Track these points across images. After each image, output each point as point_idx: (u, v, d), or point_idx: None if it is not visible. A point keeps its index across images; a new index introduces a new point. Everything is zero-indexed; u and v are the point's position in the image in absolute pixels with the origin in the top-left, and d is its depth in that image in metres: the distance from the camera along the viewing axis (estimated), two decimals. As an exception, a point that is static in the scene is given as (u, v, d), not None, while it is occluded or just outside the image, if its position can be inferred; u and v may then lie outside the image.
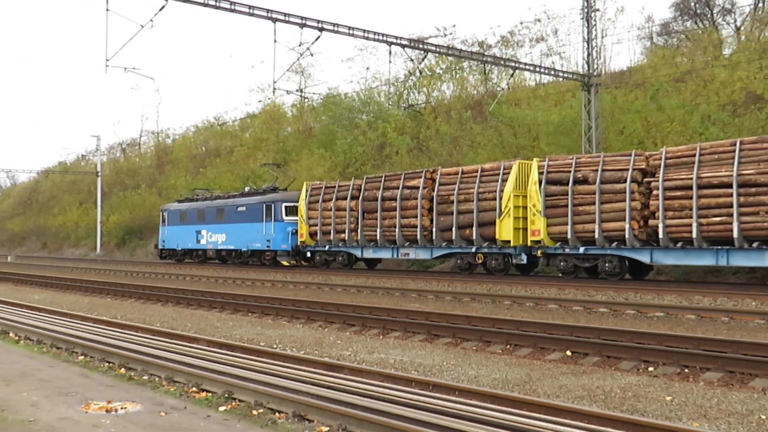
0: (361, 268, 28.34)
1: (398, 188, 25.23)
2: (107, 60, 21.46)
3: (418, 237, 24.26)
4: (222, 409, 6.73)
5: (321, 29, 22.25)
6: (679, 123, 26.46)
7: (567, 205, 20.25)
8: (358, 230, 26.60)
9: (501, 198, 21.81)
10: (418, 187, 24.51)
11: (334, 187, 28.39)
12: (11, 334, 12.03)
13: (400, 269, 29.26)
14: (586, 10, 27.27)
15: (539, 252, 21.27)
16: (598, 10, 28.33)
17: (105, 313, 15.60)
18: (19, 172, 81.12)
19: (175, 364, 8.37)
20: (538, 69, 30.34)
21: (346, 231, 27.11)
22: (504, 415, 5.84)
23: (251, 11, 21.25)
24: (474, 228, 22.64)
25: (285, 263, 31.35)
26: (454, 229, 23.22)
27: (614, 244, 19.57)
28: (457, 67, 41.40)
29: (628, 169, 19.19)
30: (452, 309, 14.87)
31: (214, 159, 55.47)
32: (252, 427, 6.12)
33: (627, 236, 19.05)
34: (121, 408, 6.72)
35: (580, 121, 28.23)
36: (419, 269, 29.03)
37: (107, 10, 20.27)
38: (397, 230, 25.05)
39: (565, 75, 29.18)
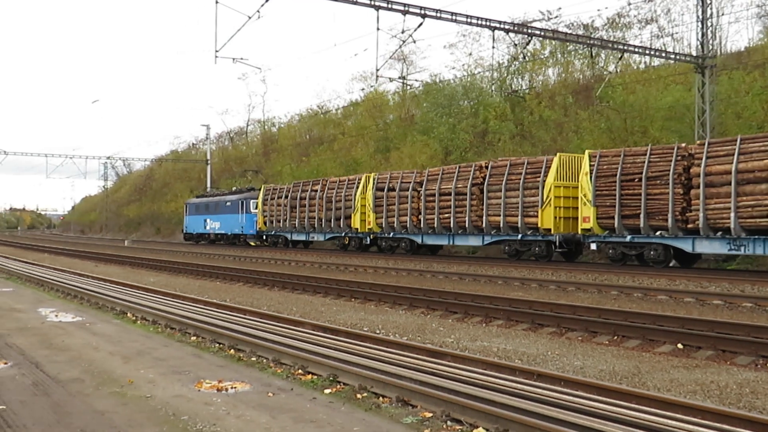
0: (460, 255, 28.30)
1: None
2: (217, 51, 22.19)
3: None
4: (327, 391, 6.85)
5: (424, 16, 22.18)
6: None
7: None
8: (295, 220, 37.78)
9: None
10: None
11: (279, 189, 40.33)
12: (129, 314, 12.65)
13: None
14: (700, -12, 26.02)
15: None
16: (713, -13, 27.02)
17: (215, 295, 16.17)
18: (135, 160, 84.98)
19: (282, 347, 8.58)
20: (648, 51, 29.23)
21: (281, 221, 39.21)
22: (612, 407, 5.67)
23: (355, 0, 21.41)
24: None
25: (252, 243, 43.53)
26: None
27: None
28: (562, 51, 40.44)
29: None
30: (556, 298, 14.58)
31: (318, 147, 56.43)
32: (356, 410, 6.19)
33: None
34: (231, 387, 6.94)
35: (693, 105, 27.02)
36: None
37: (216, 2, 20.92)
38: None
39: (678, 57, 27.99)
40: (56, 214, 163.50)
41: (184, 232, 54.31)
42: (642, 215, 20.44)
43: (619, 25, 39.37)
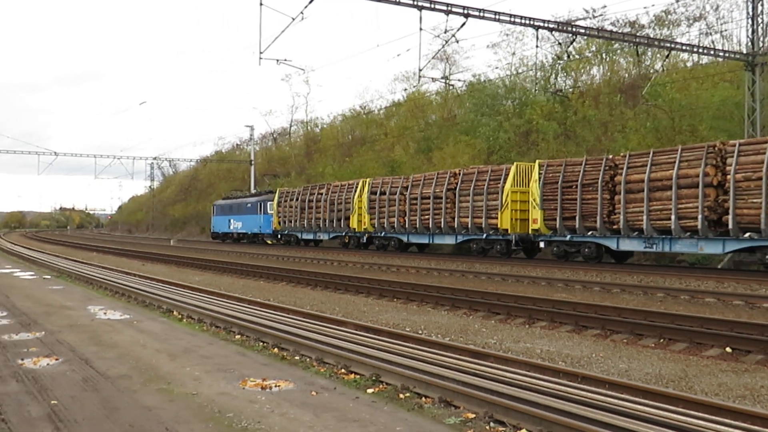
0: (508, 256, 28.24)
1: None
2: (261, 52, 22.40)
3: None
4: (370, 391, 6.87)
5: (467, 15, 22.10)
6: None
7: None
8: (305, 220, 41.15)
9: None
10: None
11: (291, 192, 44.00)
12: (175, 313, 12.85)
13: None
14: (750, -17, 25.44)
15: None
16: (764, -17, 26.35)
17: (258, 295, 16.33)
18: (180, 161, 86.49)
19: (325, 346, 8.63)
20: (696, 49, 28.68)
21: (293, 221, 42.81)
22: (658, 411, 5.59)
23: (397, 0, 21.42)
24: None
25: (269, 242, 47.23)
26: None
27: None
28: (608, 50, 39.90)
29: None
30: (601, 300, 14.40)
31: (360, 147, 56.56)
32: (399, 410, 6.20)
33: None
34: (275, 386, 7.01)
35: (742, 103, 26.43)
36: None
37: (261, 4, 21.12)
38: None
39: (727, 55, 27.40)
40: (104, 214, 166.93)
41: (212, 231, 58.51)
42: (577, 217, 23.31)
43: (666, 22, 38.68)
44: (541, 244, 25.55)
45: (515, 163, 26.98)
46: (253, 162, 66.70)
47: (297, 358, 8.58)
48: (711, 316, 11.20)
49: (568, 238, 23.93)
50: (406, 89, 59.10)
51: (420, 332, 10.83)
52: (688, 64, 37.19)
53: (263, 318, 11.20)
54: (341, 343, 8.83)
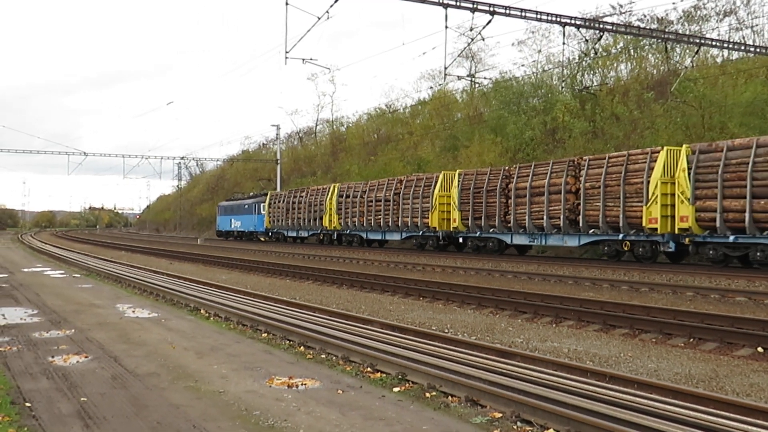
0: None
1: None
2: (287, 52, 22.44)
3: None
4: (396, 390, 6.87)
5: (492, 13, 21.95)
6: None
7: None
8: (290, 220, 46.65)
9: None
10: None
11: (280, 194, 49.55)
12: (202, 311, 12.95)
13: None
14: (782, -22, 25.03)
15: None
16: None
17: (285, 293, 16.40)
18: (207, 160, 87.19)
19: (351, 345, 8.64)
20: (726, 45, 28.27)
21: (281, 221, 48.10)
22: (688, 411, 5.51)
23: (423, -2, 21.34)
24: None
25: (262, 239, 52.34)
26: None
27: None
28: (636, 46, 39.46)
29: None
30: (629, 299, 14.26)
31: (385, 146, 56.52)
32: (425, 409, 6.19)
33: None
34: (302, 384, 7.04)
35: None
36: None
37: (287, 4, 21.17)
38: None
39: (758, 50, 26.96)
40: (132, 213, 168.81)
41: (217, 229, 64.16)
42: (483, 217, 28.66)
43: (696, 17, 38.18)
44: (460, 239, 30.79)
45: (442, 172, 32.46)
46: (279, 161, 66.98)
47: (323, 356, 8.60)
48: (742, 316, 11.04)
49: (477, 234, 29.28)
50: (431, 87, 59.00)
51: (446, 331, 10.80)
52: (718, 60, 36.67)
53: (289, 316, 11.25)
54: (367, 341, 8.83)
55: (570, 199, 24.63)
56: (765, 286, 16.13)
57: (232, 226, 58.89)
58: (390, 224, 34.84)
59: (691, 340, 9.88)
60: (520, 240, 27.42)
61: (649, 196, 21.70)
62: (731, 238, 19.77)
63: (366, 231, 37.64)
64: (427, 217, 32.03)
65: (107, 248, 45.31)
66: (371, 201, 36.39)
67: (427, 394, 6.65)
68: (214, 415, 5.91)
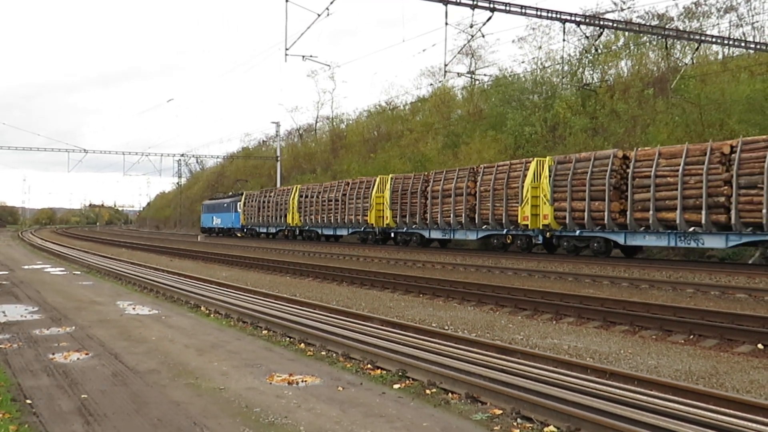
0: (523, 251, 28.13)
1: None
2: (287, 49, 22.43)
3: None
4: (396, 386, 6.87)
5: (492, 9, 21.94)
6: None
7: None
8: (261, 217, 50.98)
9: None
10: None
11: (252, 194, 54.13)
12: (203, 308, 12.96)
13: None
14: (783, -26, 24.99)
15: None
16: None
17: (285, 290, 16.40)
18: (207, 157, 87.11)
19: (352, 342, 8.65)
20: (726, 41, 28.23)
21: (253, 218, 52.62)
22: (688, 408, 5.52)
23: (423, -5, 21.30)
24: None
25: (238, 234, 56.45)
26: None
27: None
28: (636, 43, 39.43)
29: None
30: (629, 296, 14.26)
31: (385, 143, 56.47)
32: (425, 405, 6.20)
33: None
34: (302, 381, 7.04)
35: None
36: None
37: (287, 1, 21.16)
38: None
39: (759, 47, 26.94)
40: (132, 210, 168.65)
41: (201, 226, 68.75)
42: (407, 215, 33.79)
43: (696, 14, 38.15)
44: (392, 234, 36.00)
45: (379, 176, 36.75)
46: (279, 158, 66.95)
47: (323, 353, 8.61)
48: (742, 312, 11.04)
49: (404, 230, 34.53)
50: (431, 84, 58.93)
51: (446, 328, 10.80)
52: (719, 57, 36.63)
53: (290, 313, 11.25)
54: (367, 338, 8.84)
55: (470, 201, 29.68)
56: (765, 282, 16.14)
57: (214, 223, 63.96)
58: (339, 221, 39.72)
59: (691, 336, 9.89)
60: (435, 234, 32.69)
61: (523, 198, 26.55)
62: (577, 232, 24.84)
63: (321, 227, 42.64)
64: (367, 215, 36.61)
65: (107, 245, 45.32)
66: (325, 201, 41.30)
67: (428, 391, 6.66)
68: (215, 412, 5.92)
